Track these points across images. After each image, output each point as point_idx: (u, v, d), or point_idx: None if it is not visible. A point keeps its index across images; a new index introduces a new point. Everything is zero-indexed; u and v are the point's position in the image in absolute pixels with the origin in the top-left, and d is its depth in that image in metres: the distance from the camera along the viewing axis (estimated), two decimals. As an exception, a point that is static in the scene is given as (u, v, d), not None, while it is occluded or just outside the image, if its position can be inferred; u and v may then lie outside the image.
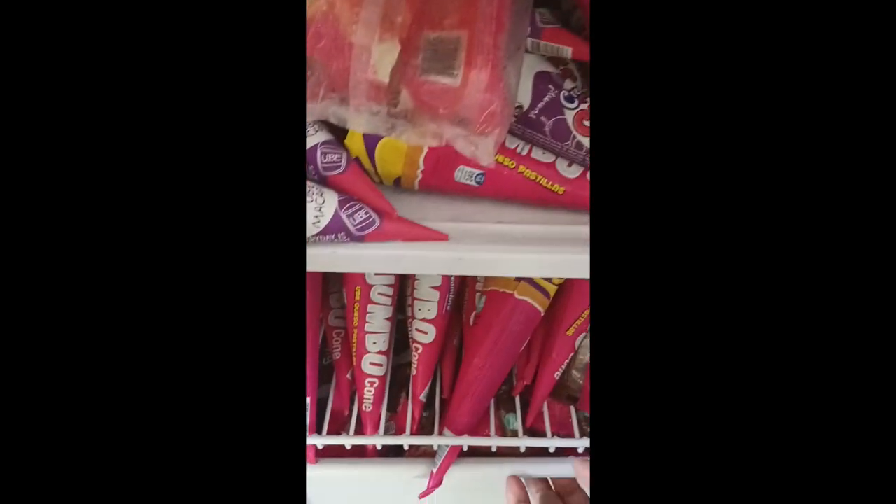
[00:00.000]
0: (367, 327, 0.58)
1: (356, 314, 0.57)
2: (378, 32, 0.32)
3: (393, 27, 0.32)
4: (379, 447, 0.62)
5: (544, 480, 0.55)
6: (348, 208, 0.35)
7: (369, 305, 0.57)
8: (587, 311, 0.53)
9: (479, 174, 0.38)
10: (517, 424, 0.58)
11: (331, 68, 0.33)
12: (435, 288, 0.57)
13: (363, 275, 0.57)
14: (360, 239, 0.36)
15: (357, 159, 0.38)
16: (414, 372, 0.59)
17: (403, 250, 0.36)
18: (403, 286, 0.61)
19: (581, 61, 0.42)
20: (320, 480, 0.61)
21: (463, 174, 0.38)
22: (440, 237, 0.37)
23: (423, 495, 0.59)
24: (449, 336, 0.62)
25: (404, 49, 0.33)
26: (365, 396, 0.59)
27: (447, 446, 0.57)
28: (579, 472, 0.52)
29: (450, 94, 0.33)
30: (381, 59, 0.32)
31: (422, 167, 0.37)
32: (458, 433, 0.56)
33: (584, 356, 0.55)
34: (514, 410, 0.60)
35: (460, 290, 0.61)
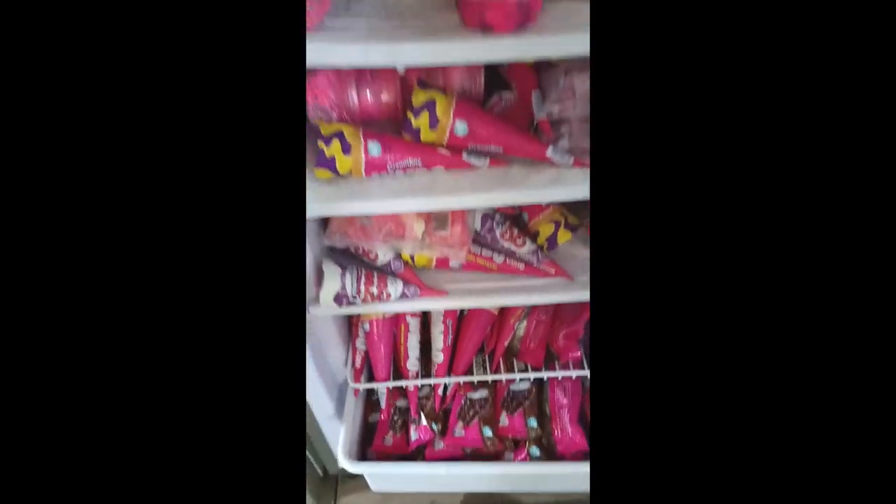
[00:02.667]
0: (408, 344, 1.06)
1: (402, 338, 1.06)
2: (415, 217, 0.81)
3: (421, 214, 0.82)
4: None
5: None
6: (406, 286, 0.84)
7: (408, 334, 1.06)
8: (519, 310, 1.03)
9: (460, 264, 0.87)
10: (489, 433, 1.10)
11: (397, 232, 0.82)
12: (441, 332, 1.07)
13: (406, 319, 1.06)
14: (413, 298, 0.84)
15: (406, 262, 0.87)
16: (434, 377, 1.08)
17: (429, 303, 0.85)
18: (426, 327, 1.10)
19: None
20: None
21: (453, 264, 0.87)
22: (443, 293, 0.85)
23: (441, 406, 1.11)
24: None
25: (426, 223, 0.82)
26: (409, 384, 1.07)
27: (451, 384, 1.11)
28: None
29: (446, 238, 0.82)
30: (418, 228, 0.82)
31: (434, 262, 0.87)
32: (458, 375, 1.08)
33: (519, 331, 1.07)
34: (490, 423, 1.11)
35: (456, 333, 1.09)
